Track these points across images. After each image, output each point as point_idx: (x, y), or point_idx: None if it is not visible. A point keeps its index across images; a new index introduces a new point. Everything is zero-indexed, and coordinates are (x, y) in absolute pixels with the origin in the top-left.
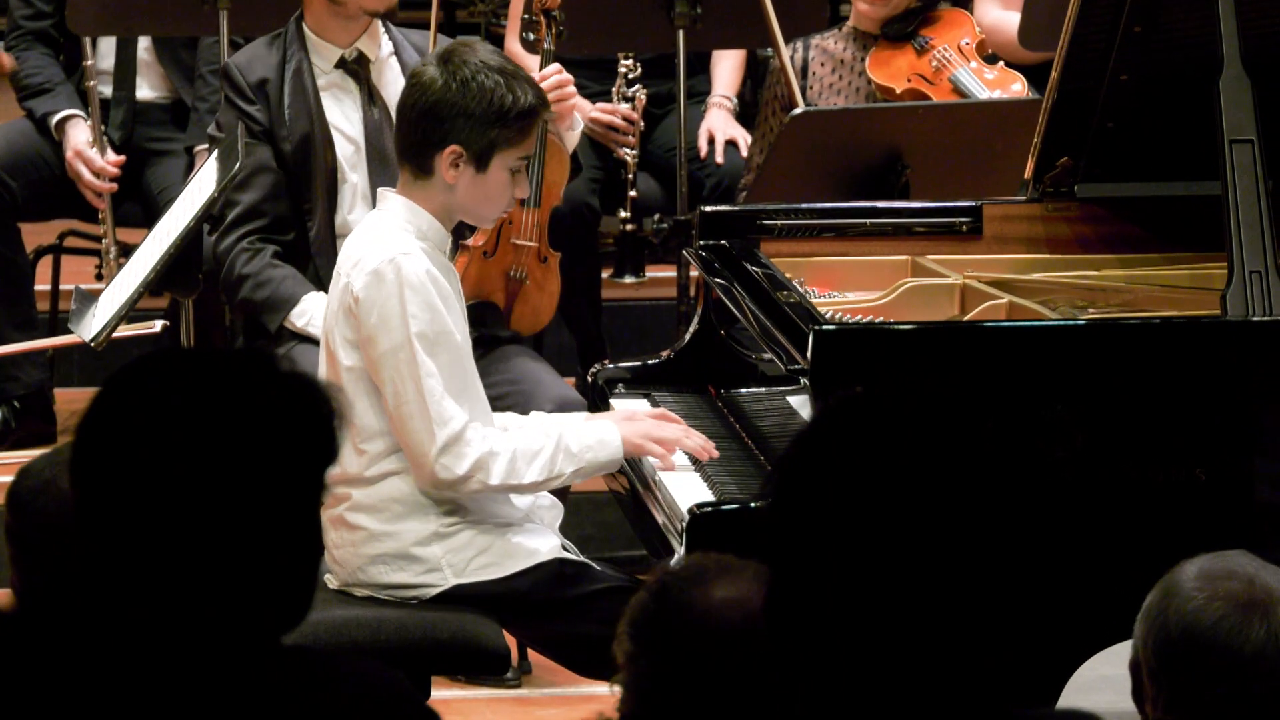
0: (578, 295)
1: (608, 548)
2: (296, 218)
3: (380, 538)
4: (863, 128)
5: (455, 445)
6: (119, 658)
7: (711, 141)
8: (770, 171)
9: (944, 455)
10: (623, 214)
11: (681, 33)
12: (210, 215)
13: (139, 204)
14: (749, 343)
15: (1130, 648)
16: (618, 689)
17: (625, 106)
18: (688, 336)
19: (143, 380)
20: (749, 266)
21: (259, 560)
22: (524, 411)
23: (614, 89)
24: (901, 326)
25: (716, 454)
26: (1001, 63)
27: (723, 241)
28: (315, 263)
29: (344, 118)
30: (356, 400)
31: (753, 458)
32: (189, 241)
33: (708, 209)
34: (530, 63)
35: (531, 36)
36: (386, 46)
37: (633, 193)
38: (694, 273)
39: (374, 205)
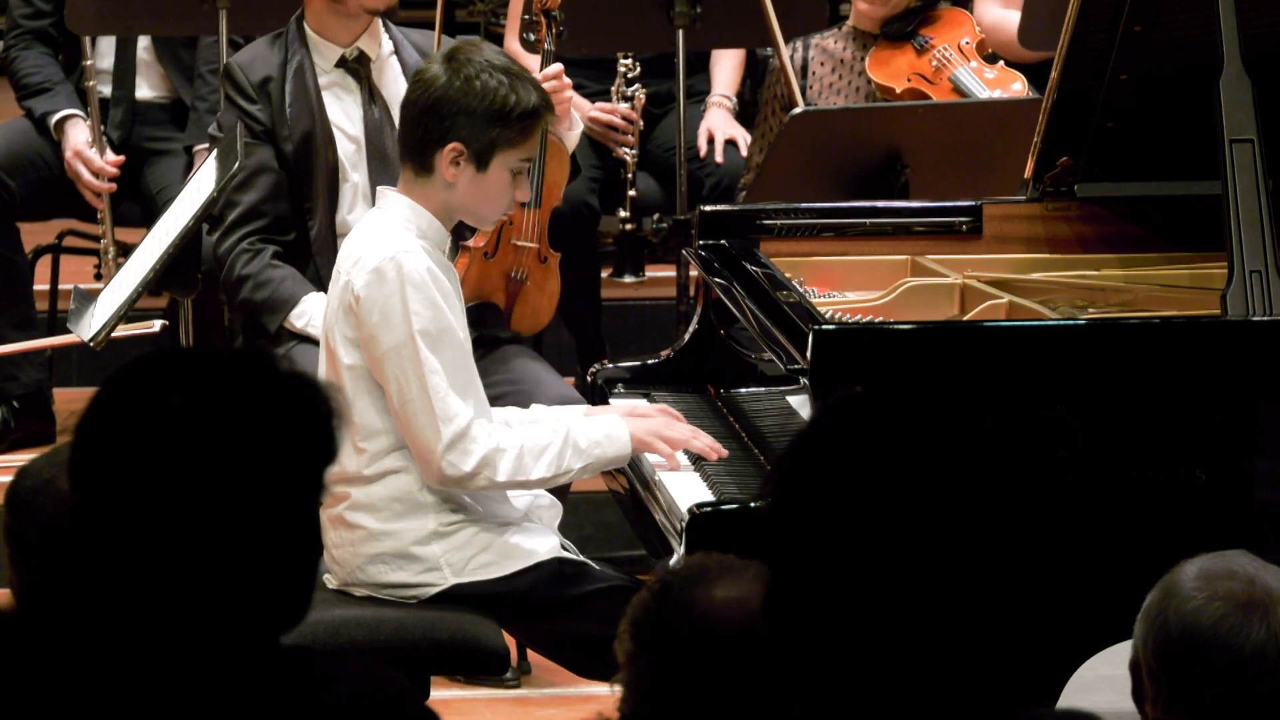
0: (577, 295)
1: (607, 547)
2: (297, 217)
3: (379, 537)
4: (862, 127)
5: (461, 442)
6: (118, 658)
7: (711, 141)
8: (770, 171)
9: (944, 455)
10: (622, 213)
11: (681, 32)
12: (209, 215)
13: (138, 204)
14: (748, 342)
15: (1130, 648)
16: (618, 688)
17: (624, 106)
18: (687, 336)
19: (142, 380)
20: (749, 266)
21: (258, 560)
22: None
23: (613, 88)
24: (901, 326)
25: (725, 453)
26: (1001, 62)
27: (722, 241)
28: (316, 261)
29: (345, 116)
30: (357, 398)
31: (752, 457)
32: (188, 241)
33: (707, 208)
34: (530, 63)
35: (532, 37)
36: (387, 45)
37: (632, 192)
38: (693, 272)
39: (374, 204)
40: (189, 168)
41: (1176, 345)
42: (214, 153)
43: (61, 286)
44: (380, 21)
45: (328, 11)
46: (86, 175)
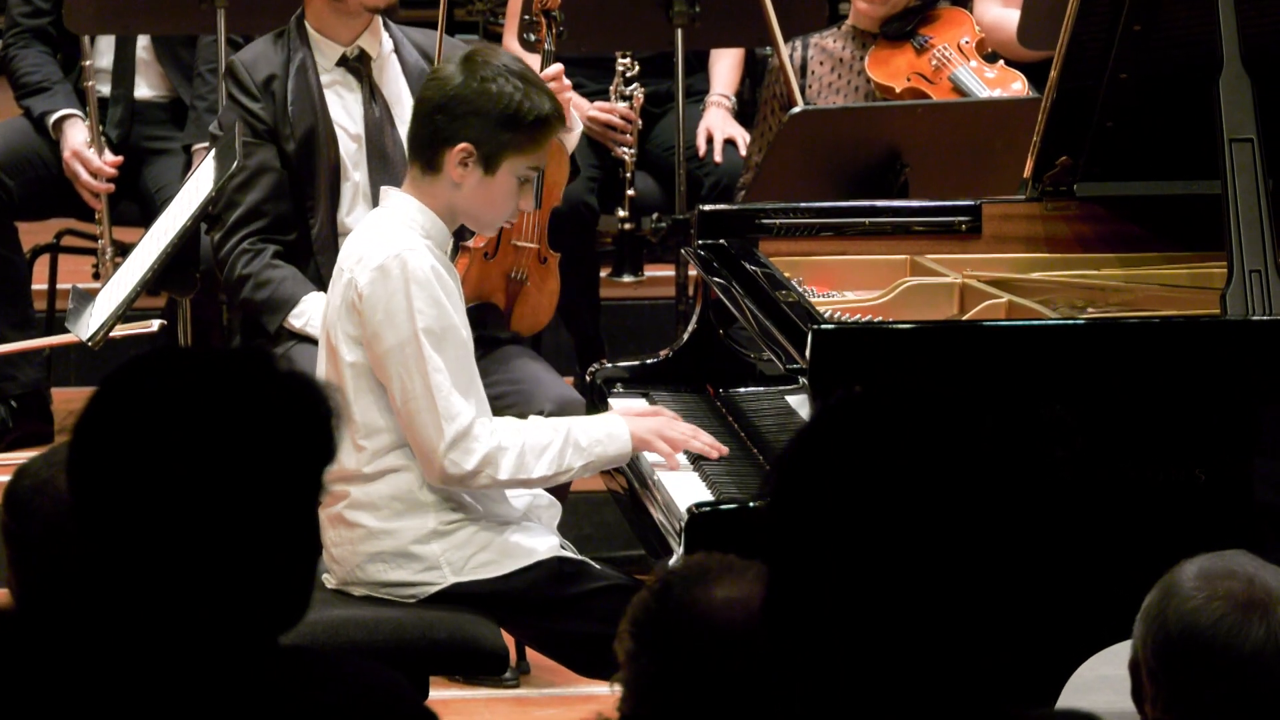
0: (576, 295)
1: (606, 547)
2: (299, 216)
3: (379, 535)
4: (862, 127)
5: (464, 440)
6: (117, 658)
7: (710, 140)
8: (769, 170)
9: (943, 455)
10: (621, 213)
11: (680, 31)
12: (207, 214)
13: (136, 203)
14: (747, 342)
15: (1130, 647)
16: (618, 688)
17: (623, 105)
18: (686, 336)
19: (140, 380)
20: (748, 266)
21: (257, 560)
22: (524, 412)
23: (612, 87)
24: (900, 326)
25: (725, 450)
26: (1001, 61)
27: (721, 241)
28: (317, 260)
29: (346, 115)
30: (358, 396)
31: (751, 457)
32: (186, 241)
33: (706, 208)
34: (530, 62)
35: (532, 37)
36: (387, 44)
37: (631, 192)
38: (692, 272)
39: (374, 205)
40: (188, 167)
41: (1176, 345)
42: (213, 152)
43: (59, 286)
44: (380, 20)
45: (328, 10)
46: (85, 175)
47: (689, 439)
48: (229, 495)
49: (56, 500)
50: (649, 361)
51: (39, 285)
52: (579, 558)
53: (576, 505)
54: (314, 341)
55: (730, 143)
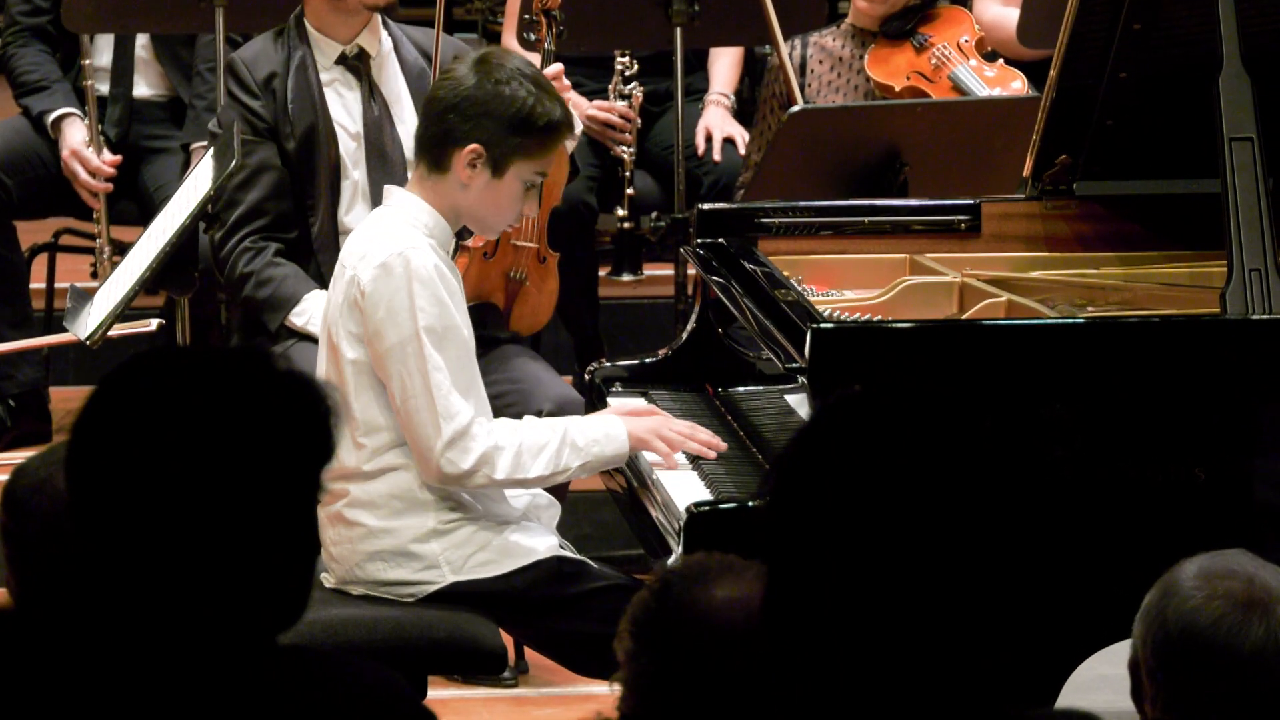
0: (575, 294)
1: (605, 547)
2: (299, 214)
3: (378, 534)
4: (861, 125)
5: (461, 440)
6: (115, 657)
7: (709, 139)
8: (768, 169)
9: (942, 454)
10: (620, 212)
11: (679, 30)
12: (206, 213)
13: (134, 202)
14: (747, 341)
15: (1129, 647)
16: (617, 687)
17: (622, 104)
18: (685, 335)
19: (138, 379)
20: (747, 265)
21: (255, 559)
22: (522, 412)
23: (611, 86)
24: (900, 325)
25: (724, 447)
26: (1001, 60)
27: (720, 240)
28: (318, 259)
29: (346, 113)
30: (359, 394)
31: (750, 456)
32: (184, 240)
33: (705, 207)
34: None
35: (532, 36)
36: (386, 42)
37: (630, 191)
38: (691, 271)
39: (373, 203)
40: (186, 166)
41: (1176, 344)
42: (211, 150)
43: (58, 285)
44: (380, 18)
45: (327, 8)
46: (83, 175)
47: (686, 439)
48: (227, 494)
49: (55, 499)
50: (648, 361)
51: (37, 284)
52: (578, 557)
53: (575, 505)
54: (314, 340)
55: (729, 141)
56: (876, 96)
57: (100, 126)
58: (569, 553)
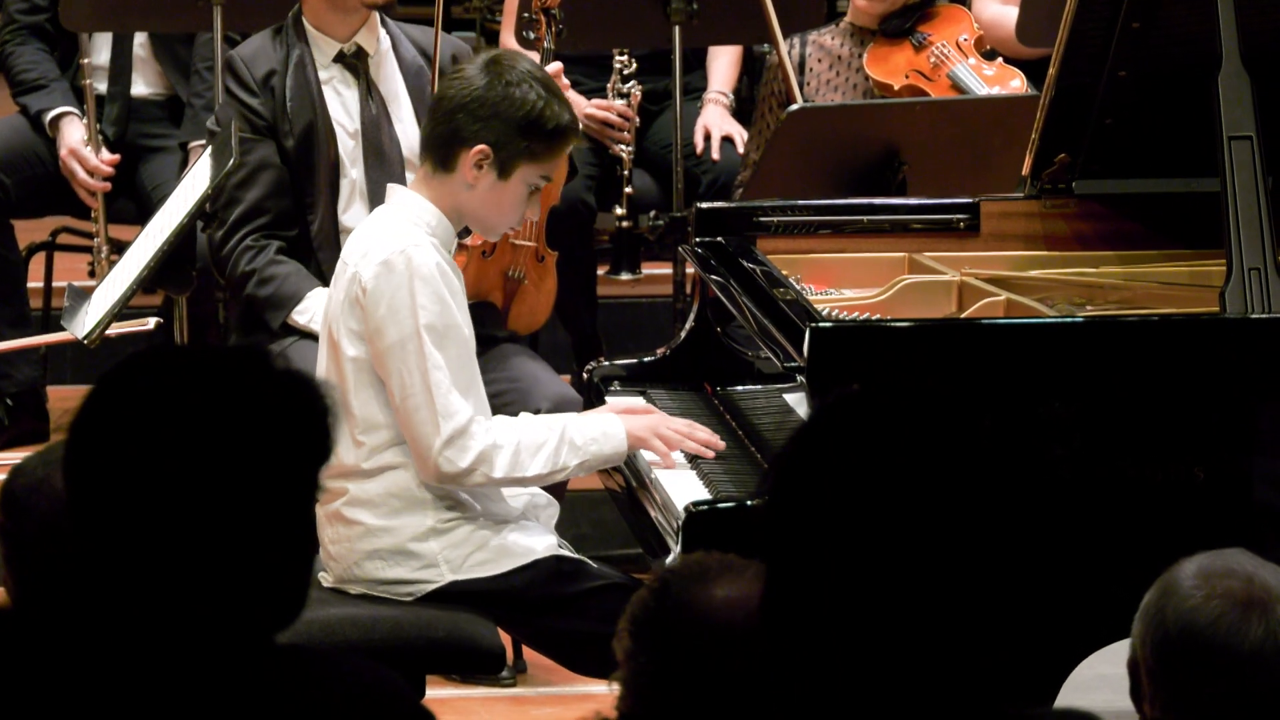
0: (573, 293)
1: (603, 546)
2: (298, 213)
3: (377, 533)
4: (860, 124)
5: (460, 438)
6: (113, 656)
7: (708, 138)
8: (767, 168)
9: (941, 453)
10: (618, 211)
11: (678, 28)
12: (204, 212)
13: (132, 201)
14: (745, 340)
15: (1128, 646)
16: (616, 686)
17: (620, 103)
18: (684, 334)
19: (136, 378)
20: (745, 263)
21: (253, 558)
22: (520, 411)
23: (609, 85)
24: (899, 324)
25: (722, 445)
26: (1000, 59)
27: (719, 238)
28: (318, 257)
29: (344, 111)
30: (359, 391)
31: (749, 455)
32: (182, 238)
33: (704, 206)
34: None
35: (531, 35)
36: (385, 40)
37: (628, 189)
38: (690, 270)
39: (371, 202)
40: (184, 164)
41: (1175, 343)
42: (209, 149)
43: (55, 284)
44: (378, 17)
45: (325, 7)
46: (81, 174)
47: (685, 437)
48: (225, 493)
49: (52, 499)
50: (646, 360)
51: (35, 283)
52: (576, 556)
53: (574, 504)
54: (314, 338)
55: (728, 140)
56: (875, 95)
57: (98, 125)
58: (567, 552)
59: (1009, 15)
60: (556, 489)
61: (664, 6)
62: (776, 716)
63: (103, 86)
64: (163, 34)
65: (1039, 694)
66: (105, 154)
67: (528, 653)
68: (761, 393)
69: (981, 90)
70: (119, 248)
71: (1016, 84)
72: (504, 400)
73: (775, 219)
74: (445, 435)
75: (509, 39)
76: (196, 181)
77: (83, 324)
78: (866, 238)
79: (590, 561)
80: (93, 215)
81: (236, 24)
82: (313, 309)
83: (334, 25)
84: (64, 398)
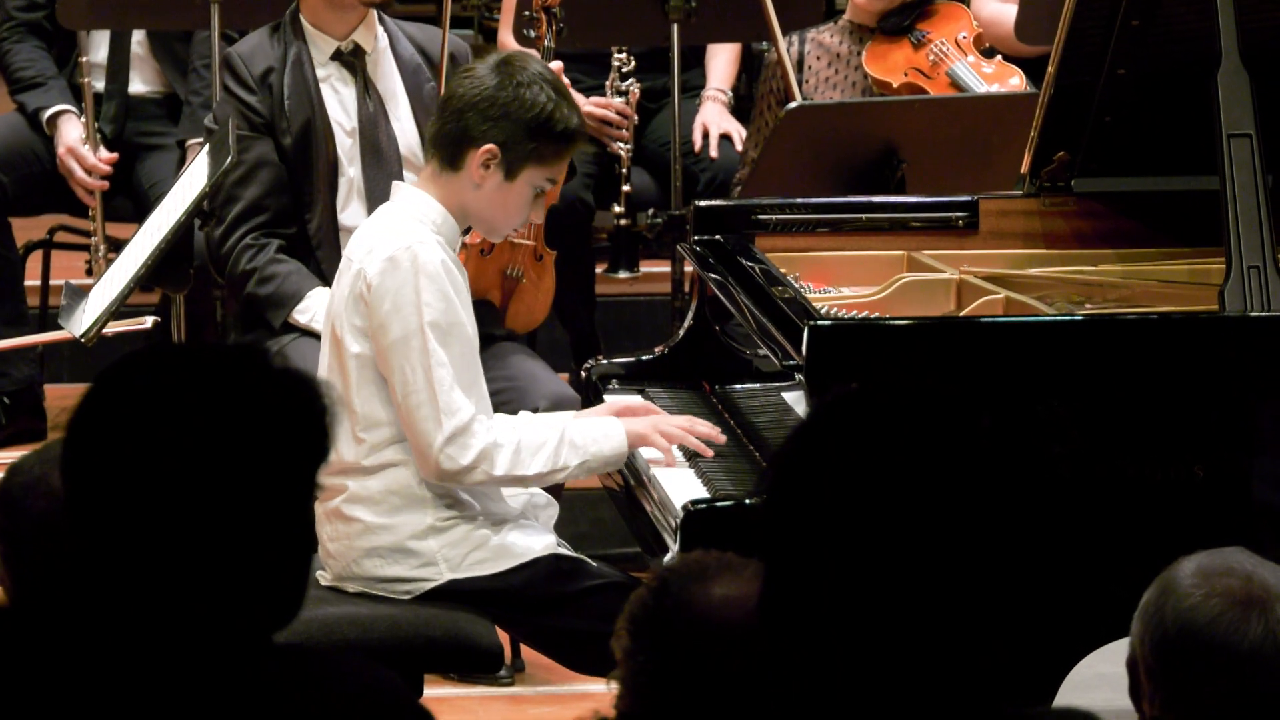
0: (571, 291)
1: (602, 545)
2: (296, 211)
3: (376, 530)
4: (858, 122)
5: (461, 436)
6: (111, 655)
7: (706, 135)
8: (765, 166)
9: (940, 452)
10: (617, 209)
11: (676, 26)
12: (202, 210)
13: (130, 199)
14: (744, 338)
15: (1127, 645)
16: (615, 685)
17: (619, 101)
18: (682, 332)
19: (133, 376)
20: (744, 262)
21: (250, 557)
22: (518, 410)
23: (607, 83)
24: (897, 322)
25: (723, 439)
26: (999, 57)
27: (717, 236)
28: (316, 255)
29: (341, 110)
30: (361, 388)
31: (748, 454)
32: (180, 237)
33: (702, 204)
34: None
35: (531, 33)
36: (383, 38)
37: (627, 187)
38: (688, 268)
39: (369, 200)
40: (182, 162)
41: (1174, 341)
42: (206, 147)
43: (53, 282)
44: (375, 14)
45: (323, 4)
46: (79, 172)
47: (685, 434)
48: (223, 492)
49: (49, 497)
50: (645, 358)
51: (32, 281)
52: (575, 555)
53: (572, 503)
54: (313, 336)
55: (726, 138)
56: (874, 93)
57: (96, 123)
58: (566, 551)
59: (1008, 13)
60: (554, 489)
61: (662, 4)
62: (775, 715)
63: (100, 84)
64: (160, 31)
65: (1038, 693)
66: (103, 152)
67: (526, 651)
68: (760, 391)
69: (980, 88)
70: (116, 246)
71: (1016, 82)
72: (502, 399)
73: (774, 217)
74: (447, 432)
75: (507, 36)
76: (194, 179)
77: (80, 322)
78: (865, 236)
79: (589, 560)
80: (90, 213)
81: (234, 22)
82: (313, 308)
83: (331, 23)
84: (61, 396)
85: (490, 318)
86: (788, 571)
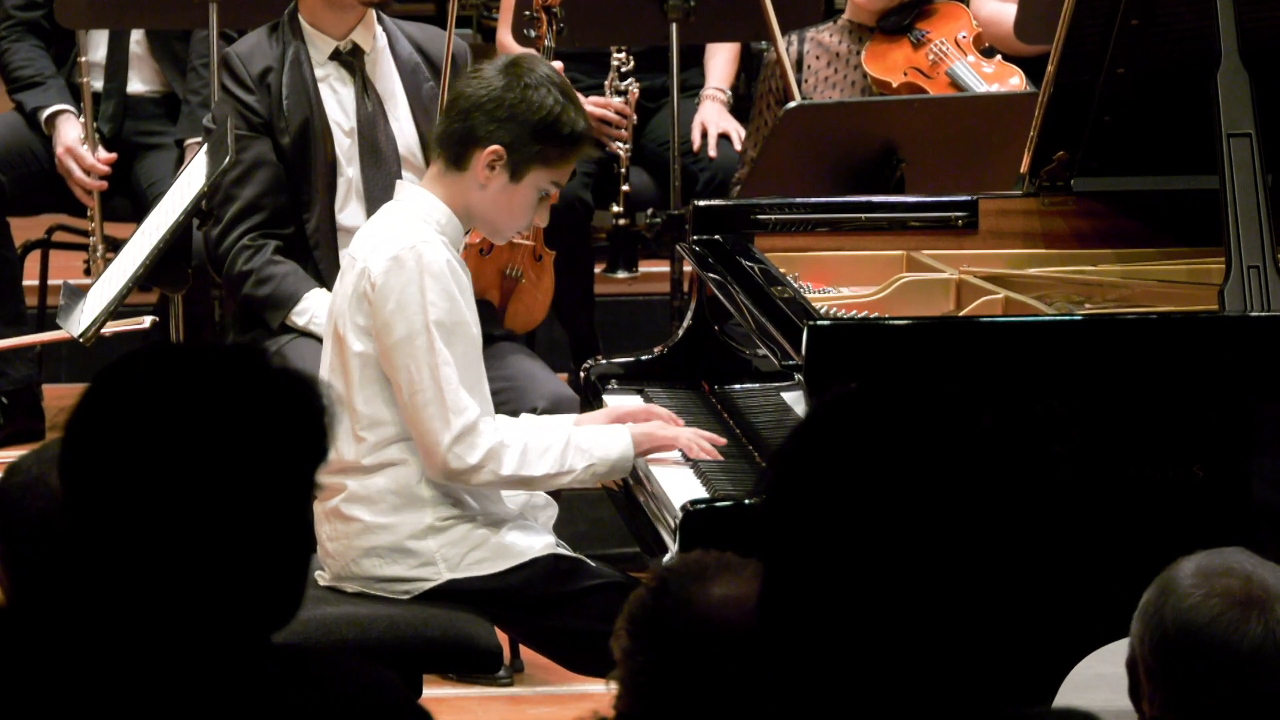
0: (570, 290)
1: (601, 545)
2: (294, 211)
3: (375, 530)
4: (858, 121)
5: (469, 435)
6: (108, 655)
7: (704, 134)
8: (764, 165)
9: (939, 452)
10: (615, 208)
11: (675, 25)
12: (201, 210)
13: (128, 198)
14: (743, 338)
15: (1127, 645)
16: (614, 685)
17: (618, 100)
18: (681, 332)
19: (131, 376)
20: (743, 261)
21: (249, 557)
22: (516, 410)
23: (606, 82)
24: (897, 322)
25: (723, 442)
26: (999, 56)
27: (716, 236)
28: (314, 255)
29: (340, 109)
30: (363, 386)
31: (747, 454)
32: (178, 236)
33: (701, 203)
34: None
35: (532, 33)
36: (381, 38)
37: (625, 187)
38: (687, 268)
39: (367, 200)
40: (180, 162)
41: (1174, 341)
42: (205, 146)
43: (51, 282)
44: (374, 14)
45: (321, 4)
46: (78, 172)
47: (690, 443)
48: (221, 492)
49: (48, 498)
50: (644, 358)
51: (30, 281)
52: (575, 555)
53: (571, 503)
54: (312, 337)
55: (725, 137)
56: (873, 92)
57: (94, 123)
58: (565, 551)
59: (1007, 12)
60: (553, 490)
61: (661, 4)
62: (774, 715)
63: (99, 84)
64: (159, 31)
65: (1038, 693)
66: (101, 152)
67: (525, 652)
68: (759, 391)
69: (980, 87)
70: (115, 245)
71: (1015, 81)
72: (500, 399)
73: (773, 216)
74: (455, 431)
75: (506, 36)
76: (192, 179)
77: (78, 322)
78: (864, 235)
79: (588, 560)
80: (88, 213)
81: (232, 21)
82: (311, 309)
83: (330, 23)
84: (59, 396)
85: (489, 318)
86: (787, 572)
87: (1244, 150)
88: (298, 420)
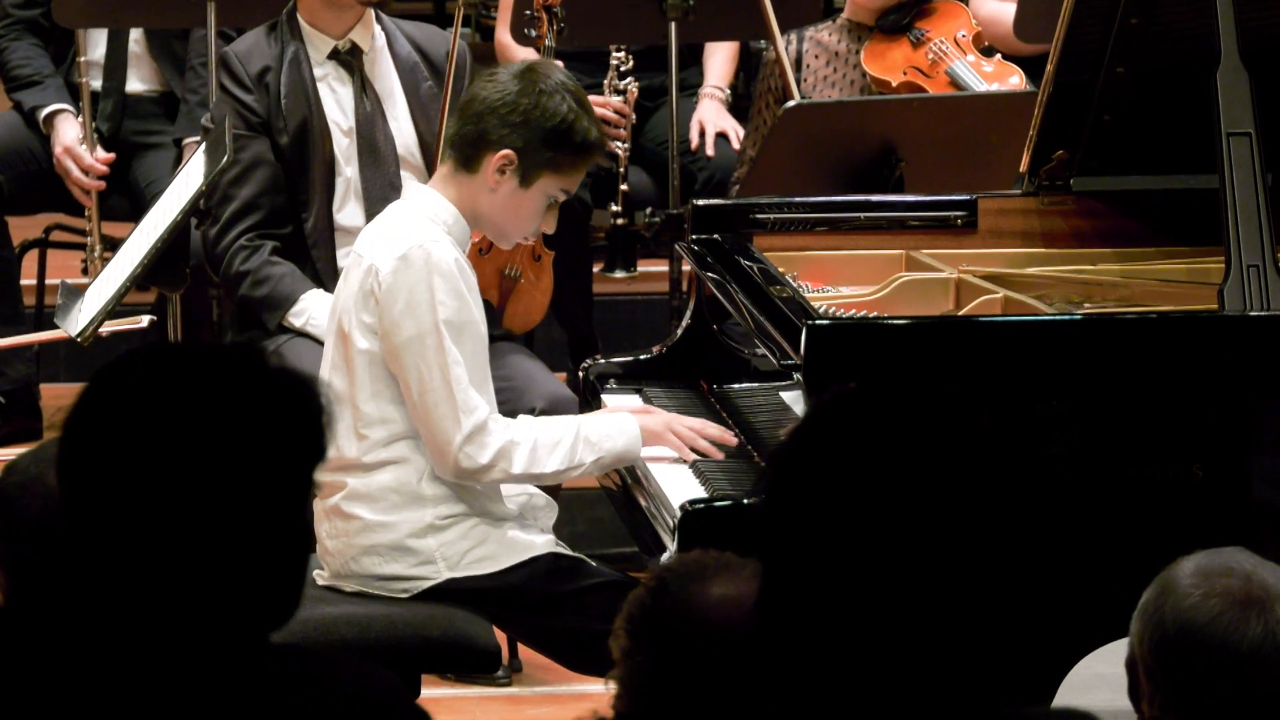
0: (569, 290)
1: (599, 545)
2: (293, 210)
3: (375, 528)
4: (857, 120)
5: (479, 434)
6: (107, 655)
7: (702, 133)
8: (763, 165)
9: (939, 451)
10: (614, 208)
11: (674, 24)
12: (199, 209)
13: (126, 198)
14: (742, 338)
15: (1126, 645)
16: (613, 685)
17: (616, 99)
18: (680, 331)
19: (130, 376)
20: (742, 261)
21: (247, 557)
22: (515, 410)
23: (605, 81)
24: (896, 321)
25: (734, 441)
26: (999, 55)
27: (715, 235)
28: (312, 255)
29: (338, 109)
30: (367, 385)
31: (745, 453)
32: (176, 236)
33: (700, 203)
34: (526, 56)
35: (532, 33)
36: (380, 37)
37: (624, 186)
38: (686, 267)
39: (366, 200)
40: (178, 161)
41: (1173, 340)
42: (203, 146)
43: (48, 281)
44: (373, 13)
45: (320, 3)
46: (76, 172)
47: (696, 436)
48: (219, 492)
49: (45, 497)
50: (642, 357)
51: (28, 280)
52: (574, 554)
53: (570, 503)
54: (308, 338)
55: (723, 136)
56: (873, 91)
57: (93, 122)
58: (564, 550)
59: (1007, 11)
60: (552, 489)
61: (660, 3)
62: (773, 715)
63: (98, 83)
64: (158, 30)
65: (1037, 693)
66: (100, 152)
67: (523, 651)
68: (758, 390)
69: (979, 87)
70: (112, 245)
71: (1015, 80)
72: (499, 399)
73: (772, 216)
74: (466, 430)
75: (505, 35)
76: (190, 178)
77: (76, 321)
78: (863, 235)
79: (587, 560)
80: (86, 212)
81: (231, 20)
82: (309, 310)
83: (328, 22)
84: (57, 396)
85: (488, 317)
86: (786, 571)
87: (1244, 149)
88: (296, 420)
